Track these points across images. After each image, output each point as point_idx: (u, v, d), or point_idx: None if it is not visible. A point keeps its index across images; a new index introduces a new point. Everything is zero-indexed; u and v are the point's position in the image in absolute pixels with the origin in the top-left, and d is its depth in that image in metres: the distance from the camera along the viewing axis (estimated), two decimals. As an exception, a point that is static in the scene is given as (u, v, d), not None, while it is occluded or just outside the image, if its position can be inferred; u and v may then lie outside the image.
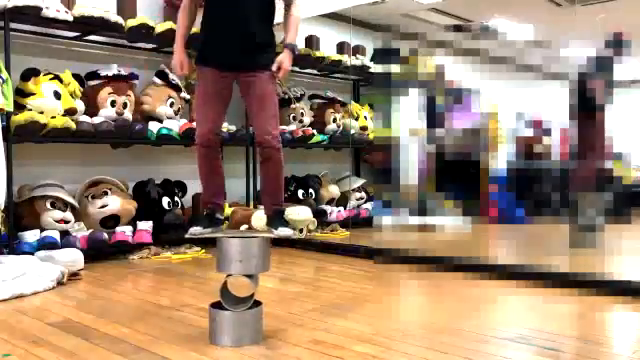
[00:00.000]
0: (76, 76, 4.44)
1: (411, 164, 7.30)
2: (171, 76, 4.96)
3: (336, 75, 6.69)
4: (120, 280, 3.83)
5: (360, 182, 6.73)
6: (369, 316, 2.91)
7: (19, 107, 4.03)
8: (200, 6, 3.02)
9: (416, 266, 4.19)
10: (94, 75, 4.59)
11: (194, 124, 3.08)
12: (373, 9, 6.67)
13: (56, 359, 2.25)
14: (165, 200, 4.84)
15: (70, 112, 4.26)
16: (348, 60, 6.32)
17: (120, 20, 4.58)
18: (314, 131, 6.03)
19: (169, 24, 4.71)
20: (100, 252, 4.37)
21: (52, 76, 4.22)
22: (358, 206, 6.56)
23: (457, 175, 7.34)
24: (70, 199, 4.34)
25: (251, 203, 5.55)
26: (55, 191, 4.28)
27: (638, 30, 6.59)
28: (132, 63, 5.00)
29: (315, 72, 6.43)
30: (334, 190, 6.38)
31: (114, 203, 4.51)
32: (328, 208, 6.14)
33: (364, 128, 6.64)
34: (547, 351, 2.37)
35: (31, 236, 4.04)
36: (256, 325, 2.46)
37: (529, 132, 8.88)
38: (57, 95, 4.19)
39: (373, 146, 6.82)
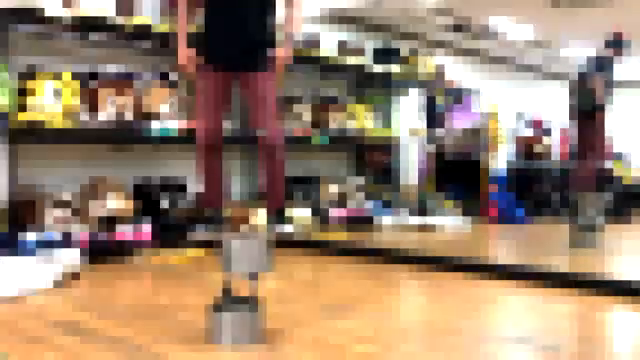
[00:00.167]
0: (76, 76, 4.44)
1: (411, 164, 7.31)
2: (171, 76, 4.96)
3: (336, 75, 6.69)
4: (120, 280, 3.83)
5: (360, 182, 6.72)
6: (369, 316, 2.91)
7: (19, 107, 4.03)
8: (200, 5, 3.03)
9: (416, 266, 4.19)
10: (94, 75, 4.59)
11: (194, 124, 3.08)
12: (373, 9, 6.67)
13: (56, 359, 2.25)
14: (165, 200, 4.84)
15: (70, 112, 4.26)
16: (348, 60, 6.31)
17: (120, 20, 4.58)
18: (314, 131, 6.03)
19: (170, 24, 4.70)
20: (100, 252, 4.37)
21: (52, 76, 4.22)
22: (358, 206, 6.55)
23: (457, 175, 7.34)
24: (70, 199, 4.34)
25: (251, 203, 5.54)
26: (55, 191, 4.28)
27: (638, 30, 6.60)
28: (132, 63, 5.00)
29: (315, 72, 6.42)
30: (334, 190, 6.37)
31: (114, 203, 4.51)
32: (328, 208, 6.13)
33: (364, 128, 6.63)
34: (547, 351, 2.37)
35: (31, 236, 4.04)
36: (256, 325, 2.46)
37: (529, 132, 8.90)
38: (57, 95, 4.19)
39: (373, 146, 6.82)
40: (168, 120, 4.89)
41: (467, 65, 8.63)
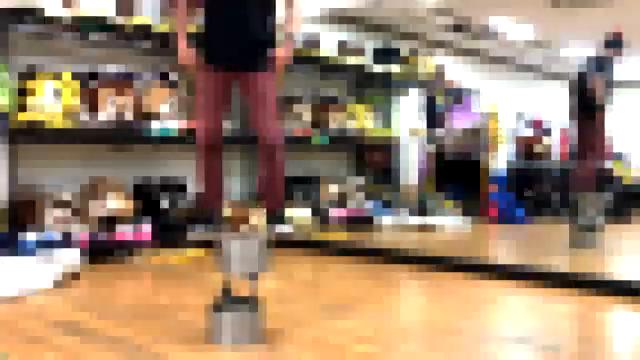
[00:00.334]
0: (76, 76, 4.44)
1: (411, 164, 7.31)
2: (171, 76, 4.96)
3: (336, 75, 6.69)
4: (120, 280, 3.83)
5: (360, 182, 6.72)
6: (369, 316, 2.91)
7: (19, 107, 4.03)
8: (200, 5, 3.03)
9: (416, 266, 4.19)
10: (94, 75, 4.59)
11: (194, 124, 3.08)
12: (373, 9, 6.67)
13: (56, 359, 2.25)
14: (165, 200, 4.84)
15: (70, 112, 4.26)
16: (348, 60, 6.31)
17: (120, 20, 4.58)
18: (314, 131, 6.03)
19: (170, 24, 4.70)
20: (100, 252, 4.37)
21: (52, 76, 4.22)
22: (358, 206, 6.55)
23: (457, 175, 7.34)
24: (70, 199, 4.34)
25: (251, 203, 5.54)
26: (55, 191, 4.28)
27: (638, 30, 6.60)
28: (132, 63, 5.00)
29: (315, 72, 6.42)
30: (334, 190, 6.37)
31: (114, 203, 4.51)
32: (328, 208, 6.13)
33: (364, 128, 6.63)
34: (547, 351, 2.37)
35: (31, 236, 4.04)
36: (256, 325, 2.46)
37: (529, 132, 8.90)
38: (57, 95, 4.19)
39: (373, 146, 6.82)
40: (168, 120, 4.89)
41: (467, 65, 8.63)
